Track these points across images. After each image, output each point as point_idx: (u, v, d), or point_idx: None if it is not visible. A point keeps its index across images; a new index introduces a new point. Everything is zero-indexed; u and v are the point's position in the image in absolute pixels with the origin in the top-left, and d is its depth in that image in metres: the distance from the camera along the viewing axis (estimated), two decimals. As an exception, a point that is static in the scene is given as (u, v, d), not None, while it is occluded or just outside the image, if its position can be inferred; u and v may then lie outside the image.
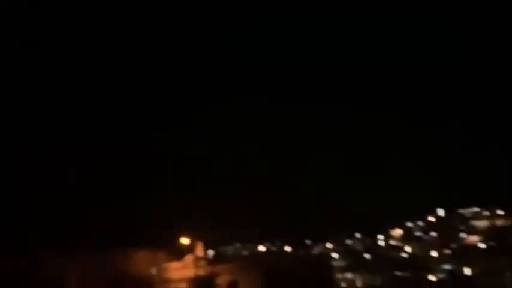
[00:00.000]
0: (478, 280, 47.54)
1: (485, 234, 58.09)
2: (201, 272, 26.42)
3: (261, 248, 58.13)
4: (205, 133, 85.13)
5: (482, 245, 56.94)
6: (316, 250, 59.99)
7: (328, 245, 63.67)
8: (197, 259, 27.02)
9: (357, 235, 65.88)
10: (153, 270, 25.66)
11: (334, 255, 60.22)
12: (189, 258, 27.15)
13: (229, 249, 60.09)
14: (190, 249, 27.21)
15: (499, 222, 59.38)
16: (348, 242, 65.26)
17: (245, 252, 53.61)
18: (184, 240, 26.73)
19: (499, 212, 59.72)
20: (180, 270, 26.82)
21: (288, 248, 59.04)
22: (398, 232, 65.09)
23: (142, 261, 25.46)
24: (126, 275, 24.06)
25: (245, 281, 27.46)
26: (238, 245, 61.90)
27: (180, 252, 27.07)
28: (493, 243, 56.15)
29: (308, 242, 62.95)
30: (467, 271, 51.04)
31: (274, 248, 59.89)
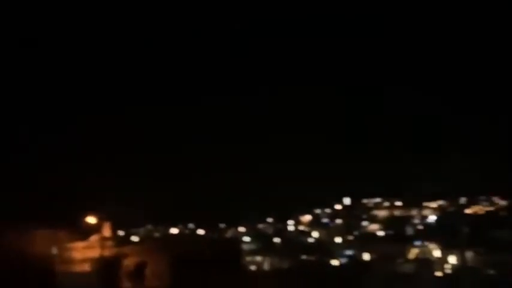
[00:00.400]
0: (375, 264, 51.71)
1: (384, 223, 63.32)
2: (107, 253, 25.78)
3: (174, 231, 57.98)
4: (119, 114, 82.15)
5: (381, 233, 62.06)
6: (229, 233, 61.16)
7: (241, 229, 65.21)
8: (103, 239, 26.30)
9: (269, 220, 68.24)
10: (54, 250, 24.59)
11: (246, 238, 61.91)
12: (94, 238, 26.37)
13: (140, 231, 59.15)
14: (96, 229, 26.41)
15: (397, 213, 64.89)
16: (260, 226, 67.38)
17: (157, 235, 53.12)
18: (90, 220, 25.86)
19: (398, 203, 65.24)
20: (85, 250, 25.96)
21: (201, 231, 59.59)
22: (307, 218, 68.48)
23: (41, 241, 24.27)
24: (24, 255, 22.84)
25: (153, 262, 27.21)
26: (149, 226, 61.13)
27: (85, 232, 26.17)
28: (390, 232, 61.44)
29: (222, 225, 63.97)
30: (366, 256, 55.38)
31: (187, 231, 60.05)
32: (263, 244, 61.20)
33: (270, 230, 66.45)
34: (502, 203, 58.93)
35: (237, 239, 47.39)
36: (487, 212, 57.87)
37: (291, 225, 67.53)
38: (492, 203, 59.25)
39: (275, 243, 62.38)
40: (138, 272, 25.57)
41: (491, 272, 36.38)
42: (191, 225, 63.21)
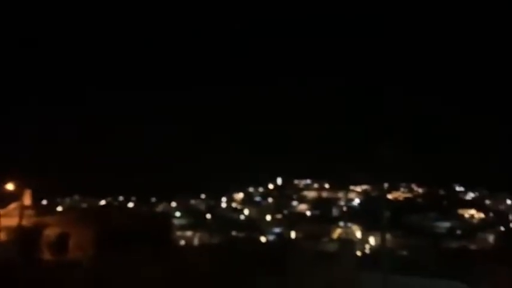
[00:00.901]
0: (300, 242, 53.75)
1: (312, 204, 65.86)
2: (27, 222, 24.33)
3: (102, 203, 56.17)
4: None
5: (308, 213, 64.55)
6: (160, 208, 60.38)
7: (173, 204, 64.64)
8: (23, 208, 24.77)
9: (202, 196, 68.23)
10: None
11: (177, 213, 61.54)
12: (13, 206, 24.76)
13: (66, 201, 56.56)
14: (15, 196, 24.79)
15: (325, 194, 67.68)
16: (193, 202, 67.19)
17: (84, 205, 51.08)
18: (9, 186, 24.18)
19: (326, 185, 68.01)
20: (2, 218, 24.33)
21: (130, 204, 58.26)
22: (240, 196, 69.37)
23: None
24: None
25: (77, 234, 26.07)
26: (77, 197, 58.62)
27: (3, 199, 24.47)
28: (317, 212, 64.07)
29: (153, 199, 62.95)
30: (293, 234, 57.45)
31: (116, 203, 58.40)
32: (194, 220, 61.25)
33: (202, 206, 66.51)
34: (419, 190, 63.50)
35: (167, 214, 46.87)
36: (406, 198, 62.10)
37: (223, 202, 68.04)
38: (411, 190, 63.61)
39: (207, 219, 62.69)
40: (60, 243, 24.44)
41: (404, 253, 39.37)
42: (121, 198, 61.51)
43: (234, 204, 67.96)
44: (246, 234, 55.75)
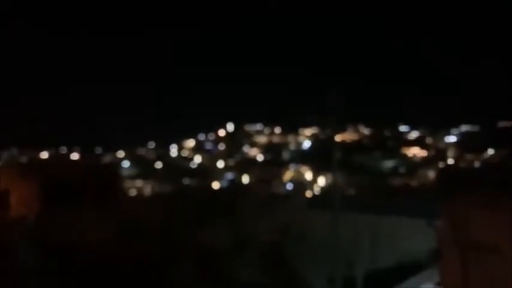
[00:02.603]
0: (253, 186, 54.69)
1: (264, 148, 66.46)
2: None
3: (44, 155, 53.40)
4: None
5: (260, 158, 65.26)
6: (106, 158, 58.50)
7: (120, 154, 62.79)
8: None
9: (151, 145, 66.69)
10: None
11: (125, 163, 60.04)
12: None
13: (3, 155, 53.27)
14: None
15: (276, 139, 68.32)
16: (141, 151, 65.64)
17: (24, 159, 48.31)
18: None
19: (277, 129, 68.48)
20: None
21: (75, 156, 55.90)
22: (190, 143, 68.49)
23: None
24: None
25: (18, 190, 24.59)
26: (14, 150, 55.30)
27: None
28: (269, 156, 64.91)
29: (98, 150, 60.68)
30: (245, 179, 58.21)
31: (58, 155, 55.79)
32: (144, 169, 60.16)
33: (151, 155, 65.22)
34: (366, 131, 65.53)
35: (115, 164, 45.46)
36: (353, 139, 63.99)
37: (173, 151, 67.02)
38: (357, 131, 65.47)
39: (156, 169, 61.78)
40: (0, 200, 22.99)
41: (351, 191, 41.09)
42: (64, 150, 58.74)
43: (184, 152, 67.15)
44: (198, 182, 55.80)
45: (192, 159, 65.52)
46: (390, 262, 15.56)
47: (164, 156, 65.08)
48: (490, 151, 53.68)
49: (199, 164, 64.52)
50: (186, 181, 55.90)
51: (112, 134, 60.10)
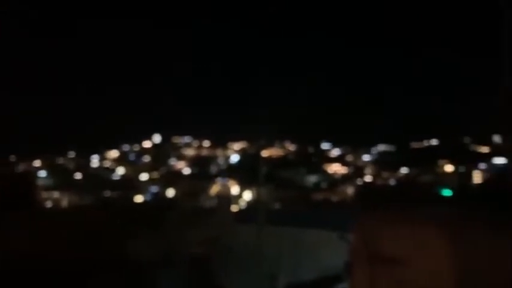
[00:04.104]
0: (179, 200, 53.84)
1: (191, 162, 65.80)
2: None
3: None
4: None
5: (187, 171, 64.44)
6: (21, 167, 54.36)
7: (36, 163, 58.74)
8: None
9: (71, 154, 63.15)
10: None
11: (42, 173, 56.30)
12: None
13: None
14: None
15: (204, 152, 68.03)
16: (60, 160, 61.95)
17: None
18: None
19: (206, 143, 68.25)
20: None
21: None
22: (113, 154, 65.88)
23: None
24: None
25: None
26: None
27: None
28: (196, 170, 64.36)
29: (12, 158, 56.22)
30: (170, 193, 57.11)
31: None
32: (62, 180, 56.79)
33: (71, 165, 61.73)
34: (292, 147, 67.63)
35: (30, 173, 42.34)
36: (279, 155, 65.68)
37: (95, 161, 63.99)
38: (284, 147, 67.34)
39: (76, 179, 58.60)
40: None
41: (277, 205, 42.06)
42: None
43: (106, 163, 64.39)
44: (120, 194, 53.78)
45: (114, 170, 62.99)
46: (312, 274, 16.08)
47: (85, 166, 61.90)
48: (404, 169, 57.82)
49: (122, 176, 62.15)
50: (107, 193, 53.59)
51: (27, 142, 55.97)
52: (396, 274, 4.68)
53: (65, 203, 49.17)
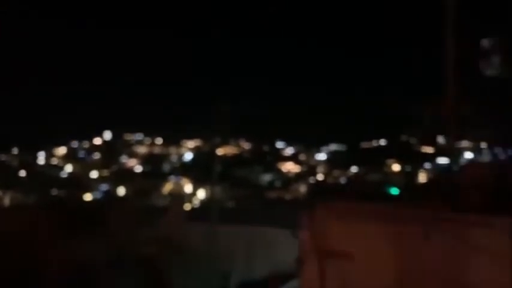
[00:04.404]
0: (130, 198, 52.50)
1: (143, 159, 64.36)
2: None
3: None
4: None
5: (139, 169, 63.00)
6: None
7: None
8: None
9: (14, 151, 59.95)
10: None
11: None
12: None
13: None
14: None
15: (157, 150, 66.76)
16: (2, 157, 58.73)
17: None
18: None
19: (158, 140, 67.01)
20: None
21: None
22: (61, 151, 63.24)
23: None
24: None
25: None
26: None
27: None
28: (148, 168, 63.05)
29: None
30: (121, 191, 55.60)
31: None
32: (5, 178, 53.79)
33: (15, 162, 58.63)
34: (247, 146, 67.85)
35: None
36: (235, 153, 65.71)
37: (41, 158, 61.14)
38: (239, 146, 67.44)
39: (20, 177, 55.73)
40: None
41: (231, 203, 42.06)
42: None
43: (54, 161, 61.69)
44: (68, 192, 51.73)
45: (62, 168, 60.46)
46: (265, 271, 16.24)
47: (30, 163, 58.96)
48: (354, 168, 59.57)
49: (70, 174, 59.79)
50: (54, 191, 51.35)
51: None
52: (344, 268, 4.84)
53: (6, 202, 46.57)
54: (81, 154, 63.49)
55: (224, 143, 60.83)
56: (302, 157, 65.49)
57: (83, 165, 61.09)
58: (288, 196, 52.18)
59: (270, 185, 58.95)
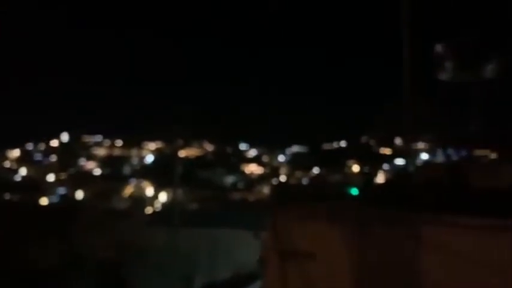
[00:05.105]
0: (89, 202, 50.94)
1: (102, 162, 62.69)
2: None
3: None
4: None
5: (98, 171, 61.29)
6: None
7: None
8: None
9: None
10: None
11: None
12: None
13: None
14: None
15: (117, 152, 65.23)
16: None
17: None
18: None
19: (118, 142, 65.50)
20: None
21: None
22: (15, 153, 60.63)
23: None
24: None
25: None
26: None
27: None
28: (108, 170, 61.47)
29: None
30: (79, 195, 53.87)
31: None
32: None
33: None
34: (210, 147, 67.54)
35: None
36: (198, 155, 65.24)
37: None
38: (202, 148, 67.03)
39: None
40: None
41: (194, 206, 41.66)
42: None
43: (7, 163, 59.02)
44: (22, 197, 49.57)
45: (16, 171, 57.91)
46: (228, 274, 16.18)
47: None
48: (316, 169, 60.53)
49: (24, 177, 57.35)
50: (7, 196, 49.04)
51: None
52: (306, 269, 4.90)
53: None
54: (37, 157, 61.09)
55: (187, 145, 60.33)
56: (265, 159, 65.89)
57: (39, 168, 58.79)
58: (251, 198, 52.28)
59: (234, 187, 58.90)
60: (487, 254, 4.01)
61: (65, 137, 63.44)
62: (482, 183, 5.28)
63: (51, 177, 57.32)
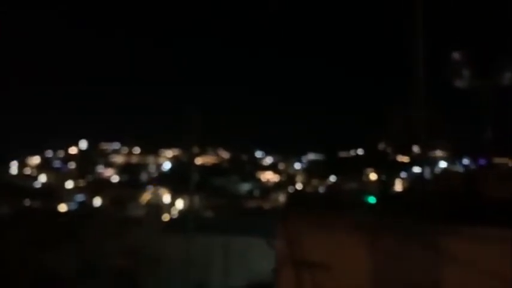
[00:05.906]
0: (106, 209, 51.48)
1: (120, 169, 63.37)
2: None
3: None
4: None
5: (115, 179, 61.95)
6: None
7: None
8: None
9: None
10: None
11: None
12: None
13: None
14: None
15: (135, 159, 65.88)
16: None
17: None
18: None
19: (136, 149, 66.18)
20: None
21: None
22: (35, 160, 61.75)
23: None
24: None
25: None
26: None
27: None
28: (125, 177, 62.08)
29: None
30: (97, 201, 54.47)
31: None
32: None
33: (-15, 172, 56.87)
34: (225, 155, 67.68)
35: None
36: (213, 163, 65.44)
37: (14, 168, 59.50)
38: (218, 155, 67.23)
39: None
40: None
41: (209, 213, 41.71)
42: None
43: (27, 170, 60.12)
44: (42, 203, 50.34)
45: (36, 178, 58.93)
46: (241, 282, 16.12)
47: (2, 173, 57.30)
48: (332, 177, 60.06)
49: (44, 184, 58.31)
50: (27, 202, 49.90)
51: None
52: (319, 278, 4.85)
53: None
54: (56, 164, 62.12)
55: (203, 152, 60.60)
56: (281, 166, 65.67)
57: (58, 175, 59.73)
58: (266, 205, 52.07)
59: (249, 194, 58.81)
60: (504, 265, 3.91)
61: (83, 144, 64.46)
62: (500, 192, 5.16)
63: (70, 184, 58.16)
